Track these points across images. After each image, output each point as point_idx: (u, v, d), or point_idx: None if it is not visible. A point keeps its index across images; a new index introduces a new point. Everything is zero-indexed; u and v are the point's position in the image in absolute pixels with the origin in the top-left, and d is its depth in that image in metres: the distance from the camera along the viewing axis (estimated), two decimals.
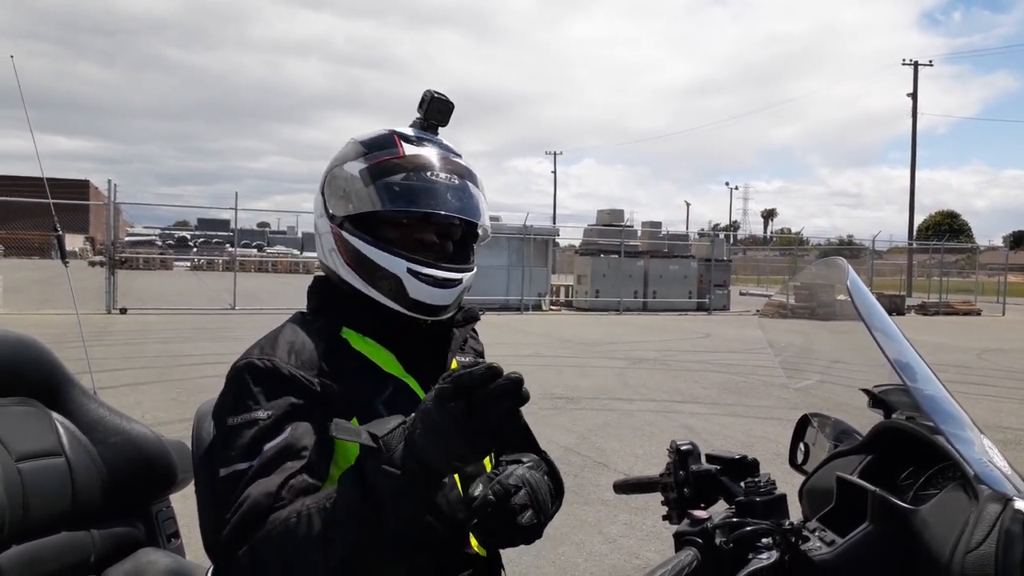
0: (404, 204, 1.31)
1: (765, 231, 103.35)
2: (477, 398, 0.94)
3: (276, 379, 1.23)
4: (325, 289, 1.42)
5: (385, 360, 1.35)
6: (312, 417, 1.21)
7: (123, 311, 16.53)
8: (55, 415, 1.67)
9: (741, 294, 32.24)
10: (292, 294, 25.23)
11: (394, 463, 0.99)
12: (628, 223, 26.31)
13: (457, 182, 1.35)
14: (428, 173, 1.33)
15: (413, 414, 1.02)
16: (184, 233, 54.04)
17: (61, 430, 1.65)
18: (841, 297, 1.38)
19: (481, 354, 1.57)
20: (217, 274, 34.86)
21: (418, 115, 1.40)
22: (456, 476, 1.17)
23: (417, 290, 1.32)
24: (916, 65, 43.14)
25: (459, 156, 1.40)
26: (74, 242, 47.02)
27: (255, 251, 49.47)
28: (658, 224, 27.87)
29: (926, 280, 35.46)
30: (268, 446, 1.16)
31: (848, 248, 37.81)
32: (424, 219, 1.34)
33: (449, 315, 1.40)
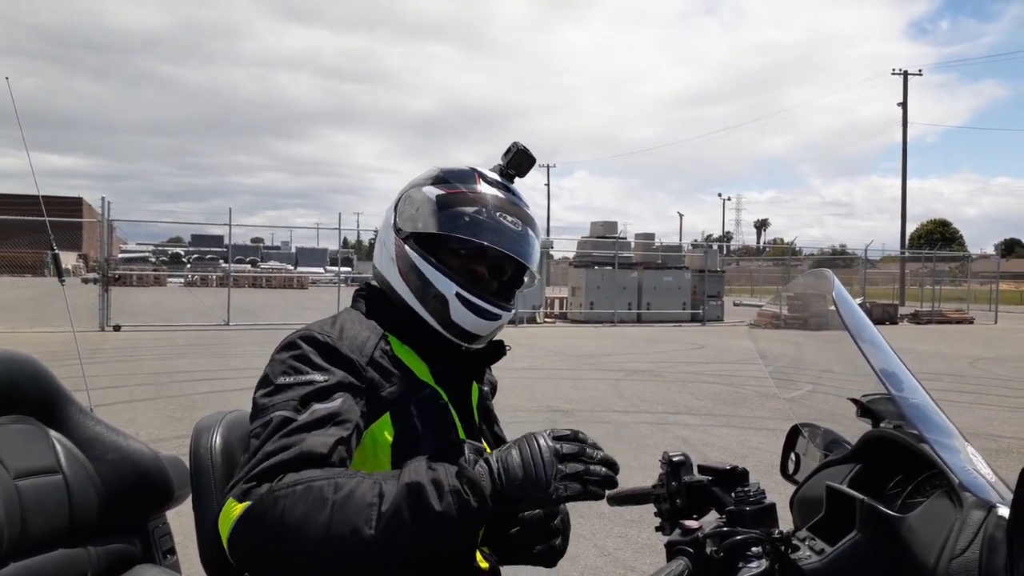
0: (468, 233, 1.40)
1: (758, 241, 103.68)
2: (583, 455, 1.09)
3: (333, 352, 1.29)
4: (374, 295, 1.50)
5: (420, 369, 1.42)
6: (358, 398, 1.26)
7: (117, 328, 16.49)
8: (52, 432, 1.67)
9: (735, 305, 32.31)
10: (286, 309, 25.24)
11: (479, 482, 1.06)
12: (622, 235, 26.37)
13: (520, 228, 1.44)
14: (497, 212, 1.42)
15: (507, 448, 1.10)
16: (178, 249, 54.00)
17: (58, 447, 1.66)
18: (831, 308, 1.41)
19: (495, 386, 1.65)
20: (211, 290, 34.80)
21: (500, 162, 1.50)
22: None
23: (459, 314, 1.40)
24: (906, 75, 43.49)
25: (527, 207, 1.50)
26: (67, 259, 46.86)
27: (249, 267, 49.42)
28: (651, 236, 27.98)
29: (919, 289, 35.57)
30: (318, 407, 1.19)
31: (841, 257, 37.98)
32: (481, 252, 1.42)
33: (481, 345, 1.48)
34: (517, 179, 1.52)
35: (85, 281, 34.57)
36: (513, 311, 1.52)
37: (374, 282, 1.53)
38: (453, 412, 1.41)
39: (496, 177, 1.48)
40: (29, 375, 1.70)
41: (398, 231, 1.46)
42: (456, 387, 1.45)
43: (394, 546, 1.03)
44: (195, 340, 14.72)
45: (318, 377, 1.23)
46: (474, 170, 1.48)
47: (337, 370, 1.26)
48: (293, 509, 1.03)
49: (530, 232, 1.46)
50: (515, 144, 1.49)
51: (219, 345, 14.01)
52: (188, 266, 48.93)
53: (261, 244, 65.62)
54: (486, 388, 1.58)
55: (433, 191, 1.43)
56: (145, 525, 1.81)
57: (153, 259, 48.71)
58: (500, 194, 1.45)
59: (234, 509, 1.06)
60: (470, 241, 1.39)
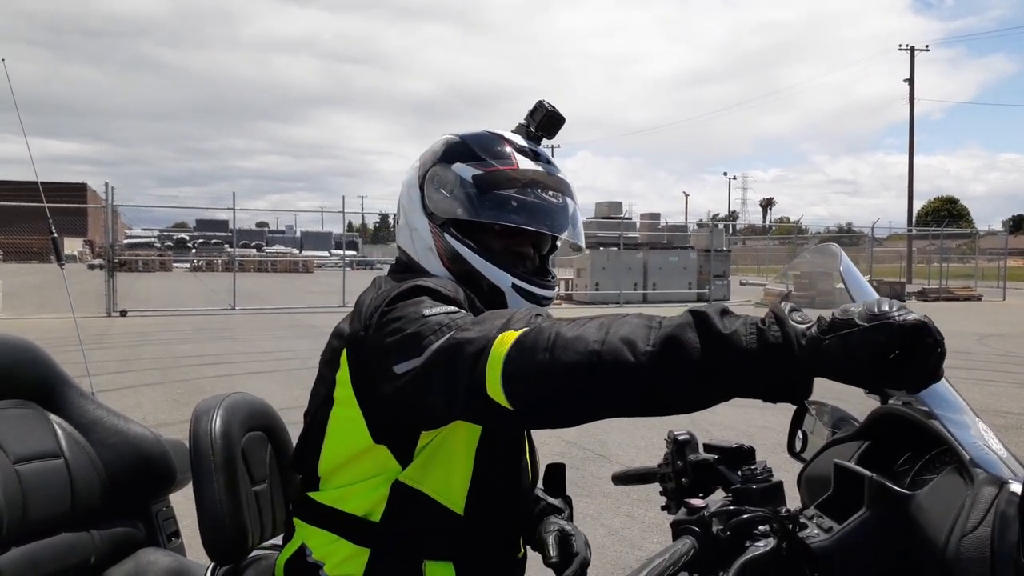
0: (521, 221, 1.33)
1: (764, 220, 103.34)
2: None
3: (450, 293, 1.20)
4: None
5: None
6: None
7: (123, 313, 16.53)
8: (53, 417, 1.67)
9: (741, 284, 32.22)
10: (292, 293, 25.27)
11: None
12: (627, 215, 26.32)
13: (562, 201, 1.37)
14: (540, 190, 1.35)
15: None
16: (183, 234, 54.09)
17: (59, 431, 1.65)
18: (839, 286, 1.39)
19: None
20: (216, 275, 34.84)
21: (524, 122, 1.40)
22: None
23: (516, 304, 1.34)
24: (912, 50, 43.05)
25: (559, 170, 1.41)
26: (73, 245, 47.01)
27: (254, 251, 49.48)
28: (657, 216, 27.91)
29: (926, 266, 35.45)
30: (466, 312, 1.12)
31: (848, 236, 37.82)
32: (528, 234, 1.35)
33: None
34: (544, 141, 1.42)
35: (91, 267, 34.71)
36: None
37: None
38: None
39: (525, 144, 1.38)
40: (28, 360, 1.69)
41: (431, 215, 1.36)
42: None
43: (672, 364, 0.89)
44: (201, 325, 14.75)
45: (449, 307, 1.13)
46: (503, 138, 1.38)
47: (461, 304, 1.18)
48: (566, 330, 0.95)
49: (570, 203, 1.39)
50: (541, 103, 1.38)
51: (225, 329, 14.04)
52: (193, 251, 48.98)
53: (266, 228, 65.66)
54: None
55: (467, 171, 1.33)
56: (148, 508, 1.80)
57: (158, 244, 48.84)
58: (537, 167, 1.36)
59: (508, 337, 0.98)
60: (524, 228, 1.32)
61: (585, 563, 1.36)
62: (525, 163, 1.35)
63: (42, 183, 3.08)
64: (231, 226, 22.21)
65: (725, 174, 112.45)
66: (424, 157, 1.41)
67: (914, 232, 41.27)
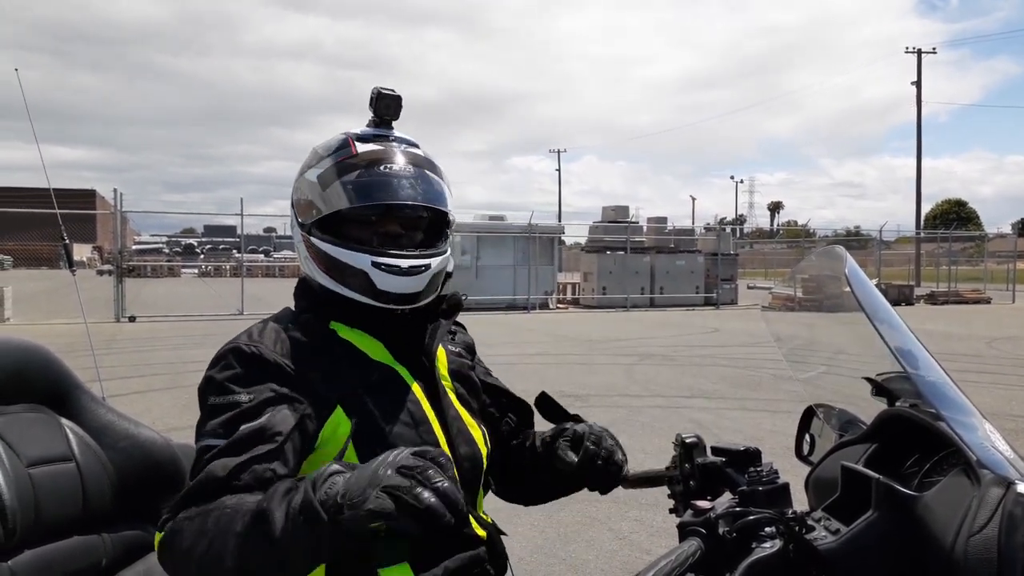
0: (361, 200, 1.33)
1: (772, 224, 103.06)
2: (420, 473, 0.94)
3: (260, 365, 1.26)
4: (310, 289, 1.44)
5: (373, 348, 1.37)
6: (293, 406, 1.22)
7: (132, 319, 16.61)
8: (64, 421, 1.68)
9: (749, 288, 32.14)
10: None
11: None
12: (633, 219, 26.29)
13: (413, 171, 1.37)
14: (382, 167, 1.35)
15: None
16: (191, 240, 54.25)
17: (71, 435, 1.66)
18: (845, 289, 1.39)
19: (471, 347, 1.59)
20: (225, 280, 34.98)
21: (370, 114, 1.42)
22: None
23: (384, 281, 1.33)
24: (920, 53, 42.91)
25: (416, 146, 1.42)
26: (82, 252, 47.22)
27: (262, 256, 49.62)
28: (664, 220, 27.86)
29: (935, 269, 35.28)
30: (244, 427, 1.17)
31: (855, 239, 37.70)
32: (386, 212, 1.35)
33: (426, 301, 1.40)
34: (395, 124, 1.43)
35: (100, 273, 34.86)
36: (445, 252, 1.42)
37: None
38: (415, 386, 1.37)
39: (370, 131, 1.41)
40: (40, 364, 1.70)
41: (301, 225, 1.40)
42: (418, 357, 1.40)
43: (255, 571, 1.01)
44: (210, 330, 14.79)
45: (243, 397, 1.21)
46: (346, 135, 1.40)
47: (264, 384, 1.23)
48: (182, 543, 1.07)
49: (427, 172, 1.38)
50: (375, 89, 1.41)
51: (233, 334, 14.01)
52: (201, 256, 49.17)
53: (274, 234, 65.81)
54: (456, 349, 1.52)
55: (314, 172, 1.37)
56: (158, 512, 1.81)
57: (167, 250, 49.00)
58: (377, 147, 1.37)
59: (157, 537, 1.13)
60: (365, 206, 1.33)
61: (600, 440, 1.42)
62: (363, 147, 1.37)
63: (52, 190, 3.10)
64: (239, 231, 22.29)
65: (732, 178, 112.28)
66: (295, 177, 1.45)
67: (922, 235, 41.10)
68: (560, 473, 1.43)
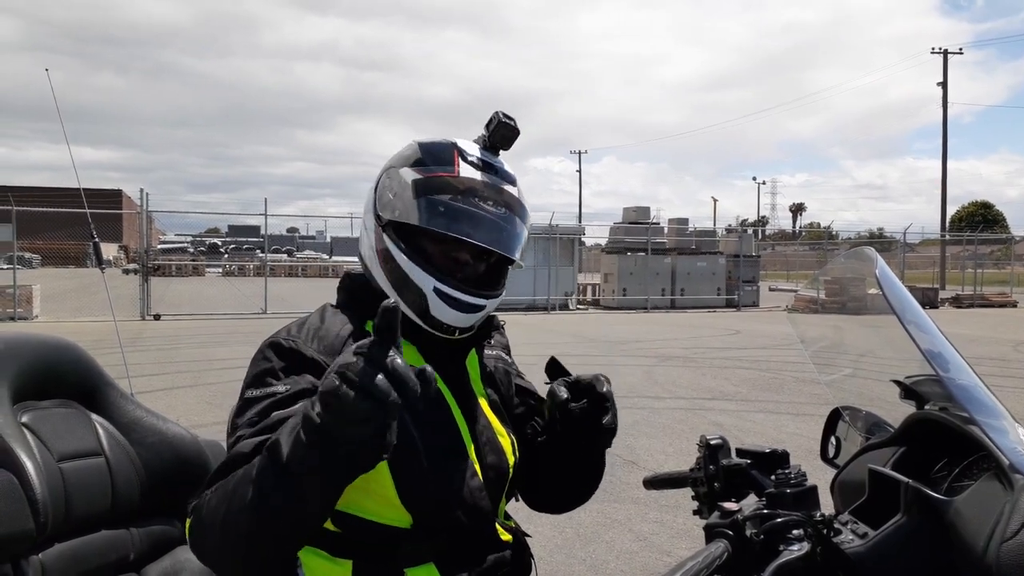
0: (442, 226, 1.30)
1: (794, 226, 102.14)
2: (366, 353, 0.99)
3: (298, 359, 1.27)
4: (354, 286, 1.45)
5: (406, 352, 1.35)
6: None
7: (157, 317, 16.79)
8: (94, 416, 1.71)
9: (771, 290, 31.89)
10: (322, 297, 25.22)
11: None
12: (654, 220, 26.17)
13: (502, 213, 1.34)
14: (477, 199, 1.32)
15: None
16: (215, 240, 54.77)
17: (100, 431, 1.69)
18: (872, 291, 1.37)
19: (507, 347, 1.60)
20: (248, 279, 35.23)
21: (483, 133, 1.40)
22: None
23: (439, 310, 1.33)
24: (946, 53, 42.33)
25: (514, 185, 1.39)
26: (108, 251, 47.80)
27: (285, 256, 49.97)
28: (685, 220, 27.69)
29: (960, 272, 34.80)
30: (276, 413, 1.19)
31: (879, 241, 37.26)
32: (460, 241, 1.33)
33: (467, 335, 1.40)
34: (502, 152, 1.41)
35: (126, 272, 35.29)
36: (501, 295, 1.42)
37: (356, 269, 1.47)
38: (445, 390, 1.37)
39: (477, 154, 1.37)
40: (71, 360, 1.73)
41: (378, 217, 1.38)
42: (450, 367, 1.40)
43: (275, 514, 1.05)
44: (233, 328, 14.93)
45: (280, 388, 1.23)
46: (454, 146, 1.37)
47: (301, 377, 1.24)
48: (207, 515, 1.11)
49: (514, 219, 1.36)
50: (497, 114, 1.38)
51: (257, 333, 14.13)
52: (226, 256, 49.62)
53: (297, 234, 66.35)
54: (495, 353, 1.53)
55: (410, 175, 1.34)
56: (185, 507, 1.83)
57: (191, 249, 49.50)
58: (480, 176, 1.34)
59: (187, 524, 1.17)
60: (443, 233, 1.31)
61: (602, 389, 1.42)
62: (467, 171, 1.34)
63: (83, 190, 3.15)
64: (263, 231, 22.46)
65: (754, 179, 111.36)
66: (387, 162, 1.43)
67: (948, 237, 40.56)
68: (554, 422, 1.42)
